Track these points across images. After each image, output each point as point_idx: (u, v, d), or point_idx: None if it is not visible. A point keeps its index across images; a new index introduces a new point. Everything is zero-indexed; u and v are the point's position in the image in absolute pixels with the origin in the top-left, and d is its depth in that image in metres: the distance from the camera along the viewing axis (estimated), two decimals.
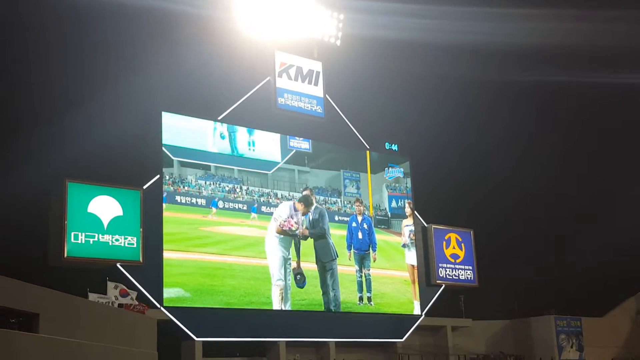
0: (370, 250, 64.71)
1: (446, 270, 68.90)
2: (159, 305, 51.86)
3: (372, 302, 63.64)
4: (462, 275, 69.94)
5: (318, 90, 64.09)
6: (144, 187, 53.76)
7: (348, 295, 63.08)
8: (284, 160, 62.42)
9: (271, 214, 60.42)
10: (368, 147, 67.16)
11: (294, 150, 62.99)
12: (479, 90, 74.70)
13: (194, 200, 57.64)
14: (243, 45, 60.68)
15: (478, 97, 76.07)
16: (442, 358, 68.45)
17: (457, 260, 69.89)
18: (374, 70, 69.28)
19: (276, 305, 58.26)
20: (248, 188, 60.24)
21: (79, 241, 49.47)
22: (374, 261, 64.58)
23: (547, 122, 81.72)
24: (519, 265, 77.97)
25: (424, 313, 66.98)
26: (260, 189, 60.97)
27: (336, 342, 62.37)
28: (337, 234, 63.62)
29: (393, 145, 69.05)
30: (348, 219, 64.72)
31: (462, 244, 70.71)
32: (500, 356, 72.43)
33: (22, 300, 24.14)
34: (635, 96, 76.35)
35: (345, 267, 63.49)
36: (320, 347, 62.72)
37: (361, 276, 63.81)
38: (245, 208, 60.12)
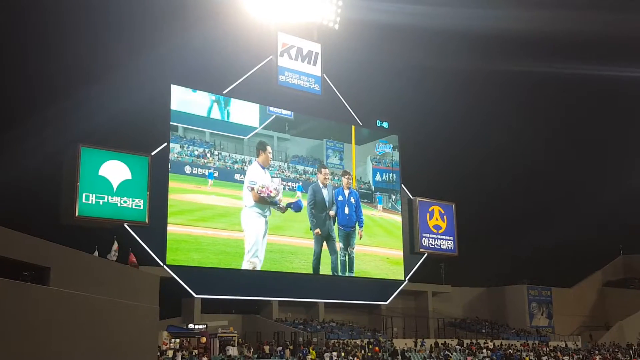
0: (357, 227, 62.62)
1: (429, 240, 68.77)
2: (162, 264, 51.87)
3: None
4: (443, 245, 69.80)
5: (316, 70, 63.61)
6: (152, 153, 53.48)
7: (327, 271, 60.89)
8: (263, 126, 59.59)
9: (241, 181, 56.56)
10: (361, 123, 66.55)
11: (274, 116, 60.39)
12: (468, 74, 75.15)
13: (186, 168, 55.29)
14: (248, 27, 60.47)
15: (466, 81, 76.30)
16: (423, 320, 68.46)
17: (440, 231, 69.68)
18: (369, 52, 69.07)
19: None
20: (220, 153, 56.59)
21: (90, 202, 49.40)
22: (360, 238, 62.50)
23: (530, 107, 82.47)
24: (497, 237, 78.90)
25: (407, 279, 66.96)
26: (234, 155, 57.35)
27: (325, 302, 62.81)
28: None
29: (384, 122, 68.46)
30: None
31: (445, 216, 70.48)
32: (476, 320, 73.19)
33: (34, 254, 24.00)
34: (614, 86, 76.85)
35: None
36: (310, 307, 63.18)
37: (345, 255, 61.55)
38: (217, 175, 56.31)
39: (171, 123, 55.11)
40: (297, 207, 57.63)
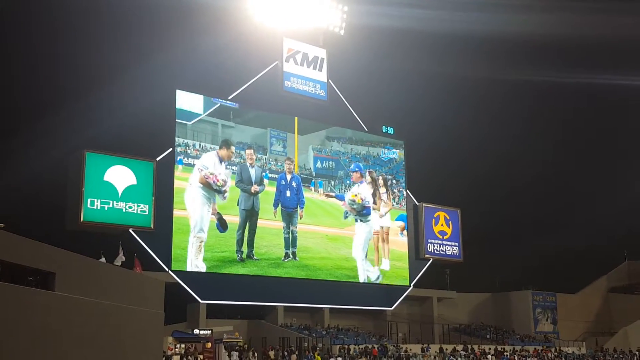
0: (298, 208, 61.82)
1: (434, 246, 68.39)
2: (167, 269, 51.66)
3: (297, 257, 60.87)
4: (448, 250, 69.35)
5: (322, 76, 63.38)
6: (157, 158, 53.29)
7: (272, 250, 59.76)
8: (207, 113, 58.43)
9: (190, 165, 55.88)
10: (366, 129, 66.45)
11: (218, 104, 59.27)
12: (474, 81, 74.89)
13: None
14: (254, 32, 60.13)
15: (473, 87, 76.20)
16: (428, 326, 68.33)
17: (445, 237, 69.30)
18: (375, 58, 69.23)
19: (191, 256, 54.36)
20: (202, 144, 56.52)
21: (95, 207, 49.14)
22: (301, 218, 61.67)
23: (537, 114, 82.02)
24: (502, 243, 78.55)
25: (412, 284, 66.59)
26: (177, 138, 56.22)
27: (330, 308, 62.68)
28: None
29: (389, 128, 68.33)
30: (275, 175, 61.27)
31: (450, 222, 70.09)
32: (481, 326, 72.76)
33: (39, 259, 23.84)
34: (623, 94, 76.58)
35: (269, 222, 59.99)
36: (315, 312, 63.03)
37: (288, 232, 60.95)
38: None
39: None
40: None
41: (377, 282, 64.62)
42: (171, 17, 58.94)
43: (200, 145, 57.29)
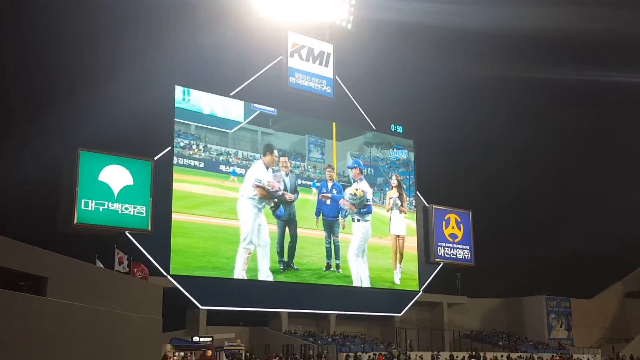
0: (340, 217, 61.91)
1: (445, 249, 68.05)
2: (165, 274, 51.06)
3: (340, 270, 61.03)
4: (459, 254, 69.02)
5: (328, 71, 62.83)
6: (155, 158, 52.75)
7: (314, 260, 60.26)
8: (247, 121, 59.08)
9: (229, 173, 56.87)
10: (374, 127, 65.99)
11: (258, 112, 59.70)
12: (486, 77, 74.04)
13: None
14: (257, 26, 59.61)
15: (485, 85, 75.56)
16: (438, 333, 68.06)
17: (456, 240, 69.00)
18: (384, 53, 68.61)
19: (238, 267, 55.10)
20: (206, 145, 56.36)
21: (89, 208, 48.61)
22: (343, 228, 61.77)
23: (550, 112, 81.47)
24: (514, 247, 77.95)
25: (421, 289, 66.24)
26: (219, 147, 57.21)
27: (336, 314, 62.24)
28: (301, 198, 60.17)
29: (398, 126, 67.87)
30: (311, 183, 61.77)
31: (461, 225, 69.77)
32: (493, 332, 72.16)
33: (30, 263, 23.35)
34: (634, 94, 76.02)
35: (312, 231, 60.66)
36: (321, 319, 62.53)
37: (329, 242, 61.10)
38: (202, 165, 56.08)
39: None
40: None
41: (402, 286, 64.79)
42: (171, 11, 58.60)
43: (241, 153, 57.97)
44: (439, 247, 67.63)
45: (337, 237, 61.21)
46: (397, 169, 67.54)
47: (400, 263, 64.94)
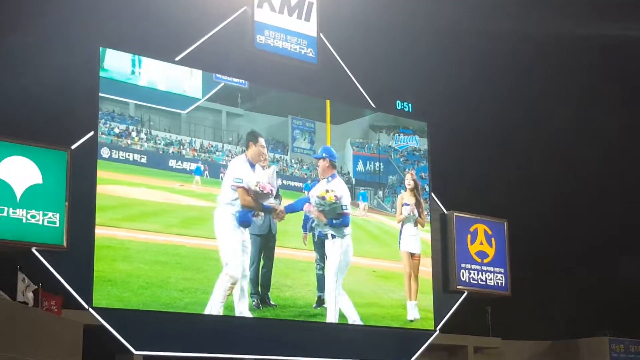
0: (303, 230, 58.97)
1: (470, 273, 67.49)
2: (86, 306, 50.28)
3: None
4: (490, 279, 68.55)
5: (310, 28, 62.32)
6: (73, 146, 51.86)
7: (300, 294, 58.84)
8: (207, 97, 57.64)
9: (182, 170, 56.06)
10: (373, 105, 65.81)
11: (222, 84, 58.39)
12: (519, 39, 74.02)
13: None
14: None
15: (517, 48, 75.86)
16: None
17: (485, 260, 68.52)
18: (386, 7, 68.39)
19: (215, 298, 53.86)
20: (149, 132, 55.05)
21: None
22: (305, 245, 58.97)
23: (603, 82, 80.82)
24: (565, 268, 77.80)
25: (438, 328, 65.74)
26: (168, 134, 56.11)
27: None
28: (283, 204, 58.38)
29: (406, 104, 67.55)
30: (299, 184, 60.92)
31: (493, 239, 69.20)
32: None
33: None
34: None
35: (297, 252, 58.86)
36: None
37: (322, 268, 58.72)
38: (144, 160, 54.66)
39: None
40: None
41: (413, 324, 63.95)
42: None
43: (200, 143, 56.94)
44: (462, 270, 67.05)
45: None
46: (417, 164, 67.61)
47: (416, 293, 64.21)
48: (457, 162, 70.41)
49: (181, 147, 56.72)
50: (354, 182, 63.95)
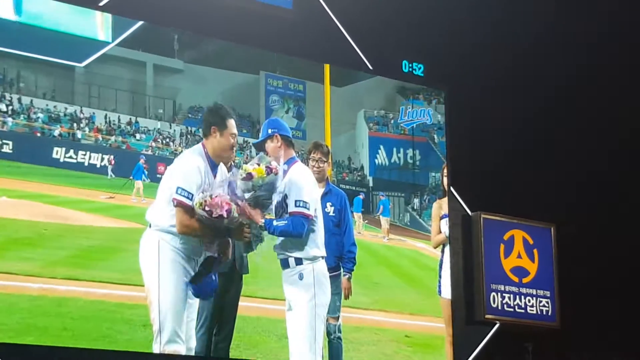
0: (341, 269, 32.80)
1: (504, 297, 52.90)
2: None
3: None
4: (532, 306, 54.35)
5: None
6: None
7: None
8: (120, 39, 37.86)
9: (77, 166, 37.03)
10: (371, 67, 50.51)
11: (141, 22, 38.60)
12: None
13: None
14: None
15: None
16: None
17: (525, 280, 54.09)
18: None
19: None
20: (20, 99, 35.91)
21: None
22: (346, 297, 32.20)
23: None
24: (628, 290, 66.12)
25: None
26: (54, 103, 37.36)
27: None
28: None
29: (415, 65, 53.71)
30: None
31: (535, 250, 54.73)
32: None
33: None
34: None
35: (277, 306, 35.45)
36: None
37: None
38: (9, 150, 34.45)
39: None
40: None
41: None
42: None
43: (110, 118, 39.13)
44: (493, 294, 52.27)
45: (338, 320, 31.35)
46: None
47: None
48: (485, 146, 57.00)
49: (74, 124, 39.89)
50: (371, 185, 46.26)
